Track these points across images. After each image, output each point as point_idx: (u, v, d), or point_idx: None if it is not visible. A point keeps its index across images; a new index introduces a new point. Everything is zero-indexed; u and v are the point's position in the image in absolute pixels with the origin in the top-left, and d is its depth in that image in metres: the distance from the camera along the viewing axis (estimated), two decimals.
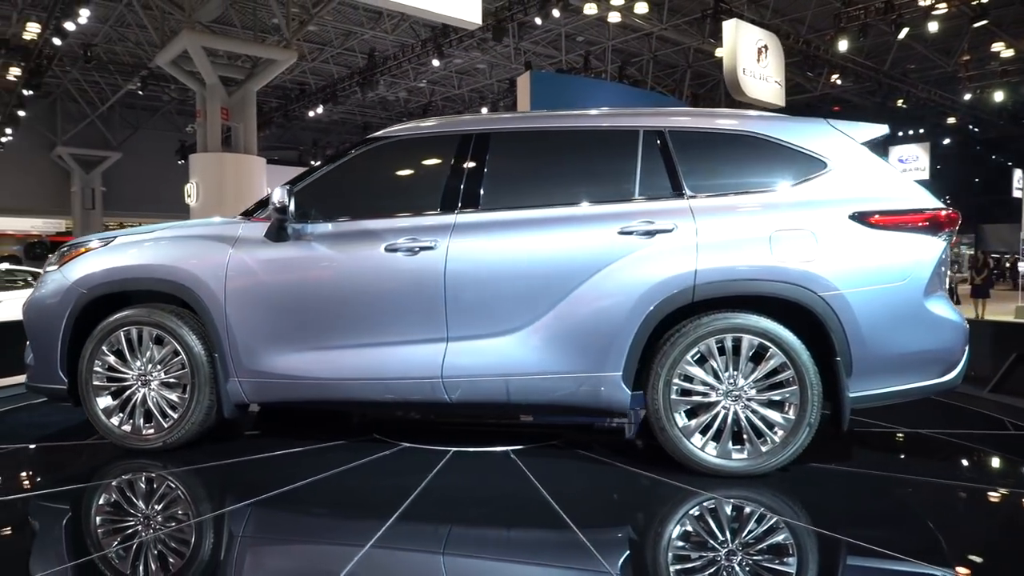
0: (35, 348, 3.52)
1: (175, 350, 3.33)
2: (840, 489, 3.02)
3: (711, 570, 2.26)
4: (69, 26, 14.42)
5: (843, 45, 16.82)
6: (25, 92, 19.45)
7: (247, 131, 15.82)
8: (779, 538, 2.49)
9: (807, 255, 2.93)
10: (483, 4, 11.82)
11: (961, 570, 2.32)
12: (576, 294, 3.04)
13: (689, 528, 2.61)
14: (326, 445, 3.54)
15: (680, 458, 3.01)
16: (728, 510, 2.71)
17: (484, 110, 25.51)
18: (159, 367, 3.35)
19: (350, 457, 3.31)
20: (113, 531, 2.62)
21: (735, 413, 2.97)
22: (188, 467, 3.22)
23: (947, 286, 3.18)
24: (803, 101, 24.34)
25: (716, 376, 2.99)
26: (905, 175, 3.32)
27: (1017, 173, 30.98)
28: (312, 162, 26.58)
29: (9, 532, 2.66)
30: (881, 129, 3.26)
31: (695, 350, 2.98)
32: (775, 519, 2.62)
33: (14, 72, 19.47)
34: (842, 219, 2.99)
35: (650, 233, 3.03)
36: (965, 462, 3.54)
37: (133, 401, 3.37)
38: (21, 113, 21.85)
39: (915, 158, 27.96)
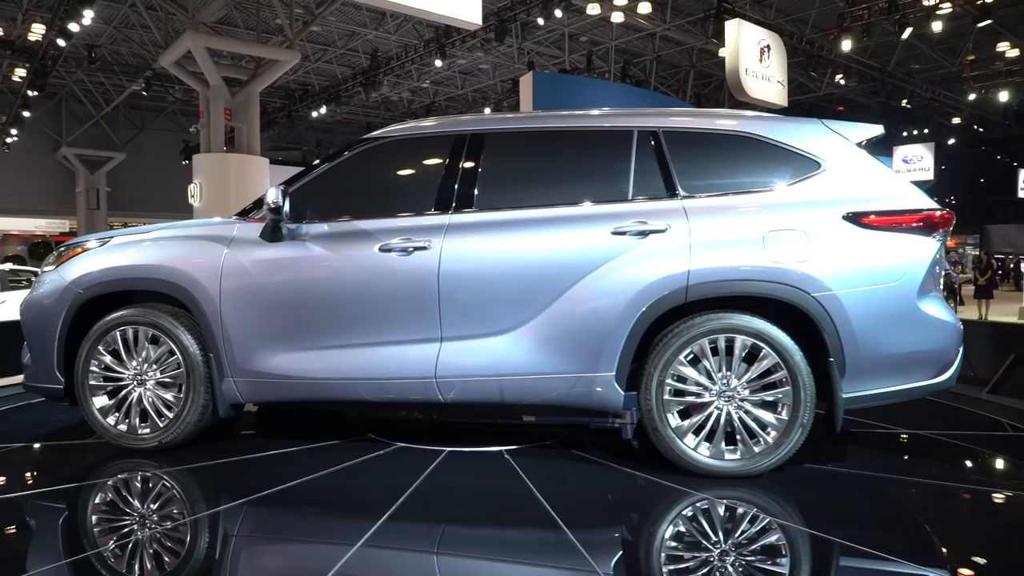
0: (32, 348, 3.53)
1: (170, 350, 3.34)
2: (834, 490, 3.02)
3: (702, 571, 2.26)
4: (73, 27, 14.47)
5: (847, 45, 16.76)
6: (30, 93, 19.54)
7: (250, 131, 15.88)
8: (772, 539, 2.48)
9: (800, 255, 2.93)
10: (486, 4, 11.84)
11: (955, 572, 2.31)
12: (569, 294, 3.05)
13: (681, 529, 2.60)
14: (321, 445, 3.55)
15: (673, 459, 3.01)
16: (721, 511, 2.71)
17: (487, 110, 25.53)
18: (155, 367, 3.37)
19: (344, 457, 3.32)
20: (108, 529, 2.63)
21: (728, 414, 2.97)
22: (183, 466, 3.23)
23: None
24: (807, 101, 24.29)
25: (709, 376, 2.99)
26: (902, 175, 3.31)
27: (1022, 173, 30.85)
28: (314, 162, 26.59)
29: (5, 530, 2.67)
30: (876, 129, 3.26)
31: (688, 350, 2.98)
32: (768, 520, 2.62)
33: (19, 73, 19.56)
34: (836, 219, 2.98)
35: (643, 233, 3.03)
36: (962, 463, 3.52)
37: (129, 401, 3.38)
38: (26, 114, 21.97)
39: (919, 158, 27.82)
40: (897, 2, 15.21)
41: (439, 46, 18.18)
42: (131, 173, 28.16)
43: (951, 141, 30.41)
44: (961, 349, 3.08)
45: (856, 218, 2.98)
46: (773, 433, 2.94)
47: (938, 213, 3.02)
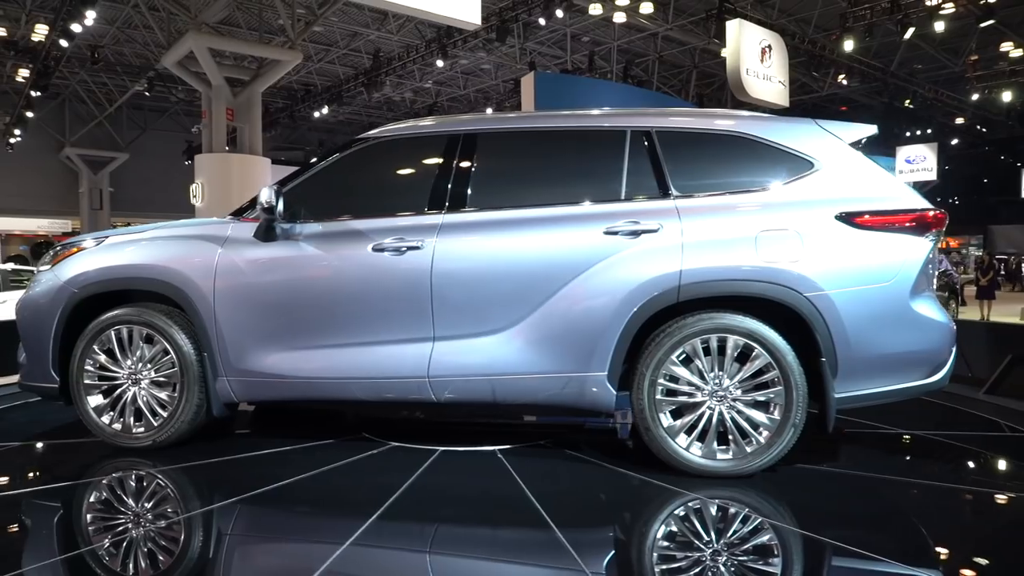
0: (28, 347, 3.54)
1: (165, 349, 3.35)
2: (827, 490, 3.01)
3: (694, 571, 2.26)
4: (76, 28, 14.53)
5: (849, 45, 16.74)
6: (33, 93, 19.61)
7: (252, 132, 15.92)
8: (763, 539, 2.48)
9: (793, 255, 2.93)
10: (487, 4, 11.84)
11: (947, 573, 2.30)
12: (562, 294, 3.05)
13: (672, 528, 2.60)
14: (315, 444, 3.55)
15: (665, 458, 3.00)
16: (713, 511, 2.70)
17: (489, 110, 25.53)
18: (149, 366, 3.38)
19: (338, 456, 3.32)
20: (102, 527, 2.64)
21: (720, 413, 2.97)
22: (177, 465, 3.24)
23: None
24: (810, 101, 24.26)
25: (701, 376, 2.99)
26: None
27: None
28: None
29: (1, 528, 2.68)
30: (869, 129, 3.25)
31: (680, 350, 2.98)
32: (760, 520, 2.62)
33: (23, 73, 19.63)
34: (829, 219, 2.98)
35: (635, 233, 3.03)
36: (958, 464, 3.51)
37: (124, 400, 3.39)
38: (30, 114, 22.05)
39: (922, 159, 27.75)
40: (900, 2, 15.19)
41: (441, 46, 18.21)
42: (134, 173, 28.25)
43: (954, 141, 30.33)
44: (954, 349, 3.08)
45: (849, 218, 2.97)
46: (765, 433, 2.94)
47: (931, 213, 3.01)
